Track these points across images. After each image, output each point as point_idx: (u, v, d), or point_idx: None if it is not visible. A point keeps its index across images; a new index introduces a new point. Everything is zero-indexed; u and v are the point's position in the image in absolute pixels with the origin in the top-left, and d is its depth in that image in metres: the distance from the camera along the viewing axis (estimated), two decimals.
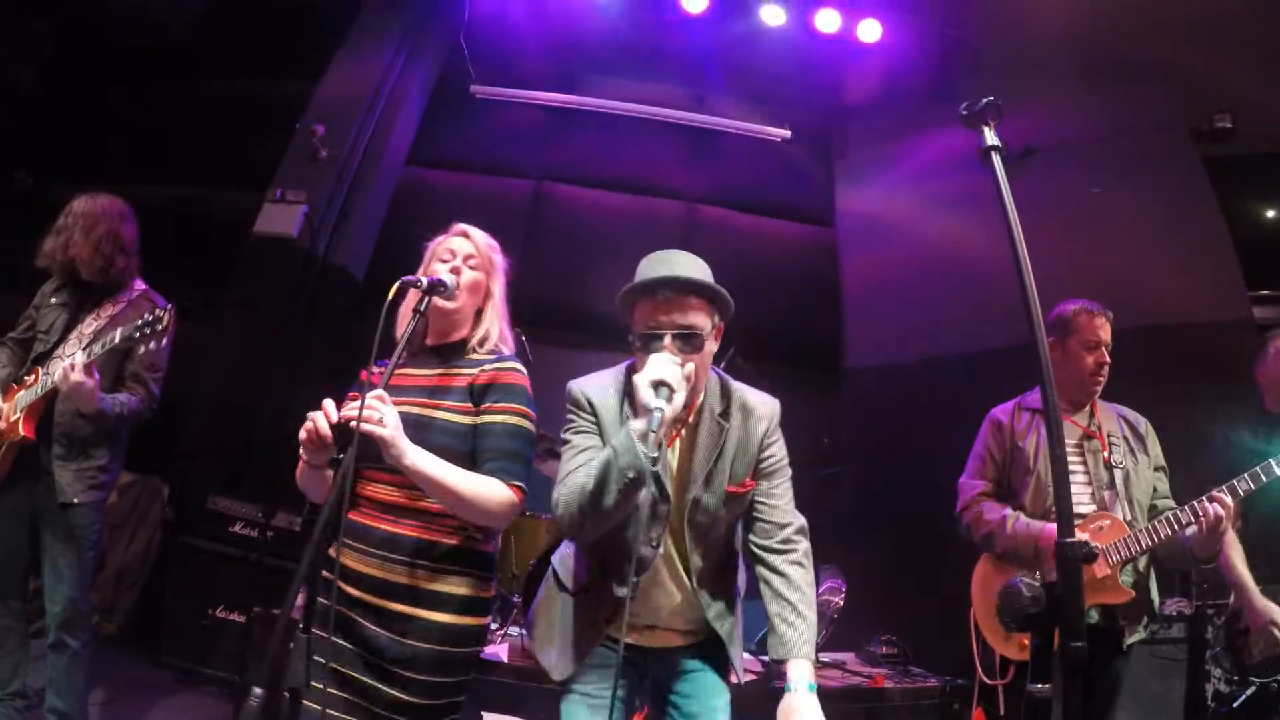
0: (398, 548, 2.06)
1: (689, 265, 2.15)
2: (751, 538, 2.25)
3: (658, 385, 1.90)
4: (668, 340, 2.04)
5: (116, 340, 2.92)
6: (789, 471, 2.30)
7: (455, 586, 2.10)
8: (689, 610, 2.23)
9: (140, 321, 2.87)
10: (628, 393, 2.15)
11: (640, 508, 2.00)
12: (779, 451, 2.27)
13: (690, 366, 2.01)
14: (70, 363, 2.88)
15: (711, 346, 2.15)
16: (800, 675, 2.01)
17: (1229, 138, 5.65)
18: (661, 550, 2.15)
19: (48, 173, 6.43)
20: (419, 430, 2.06)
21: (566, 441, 2.18)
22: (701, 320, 2.09)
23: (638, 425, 1.90)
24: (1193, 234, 5.30)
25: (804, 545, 2.24)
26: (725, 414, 2.21)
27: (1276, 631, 3.01)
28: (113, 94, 6.91)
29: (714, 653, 2.29)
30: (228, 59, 6.87)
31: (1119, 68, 5.80)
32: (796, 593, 2.15)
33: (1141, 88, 5.70)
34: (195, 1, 6.70)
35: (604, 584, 2.18)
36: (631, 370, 2.17)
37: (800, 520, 2.27)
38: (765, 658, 4.16)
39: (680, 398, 1.92)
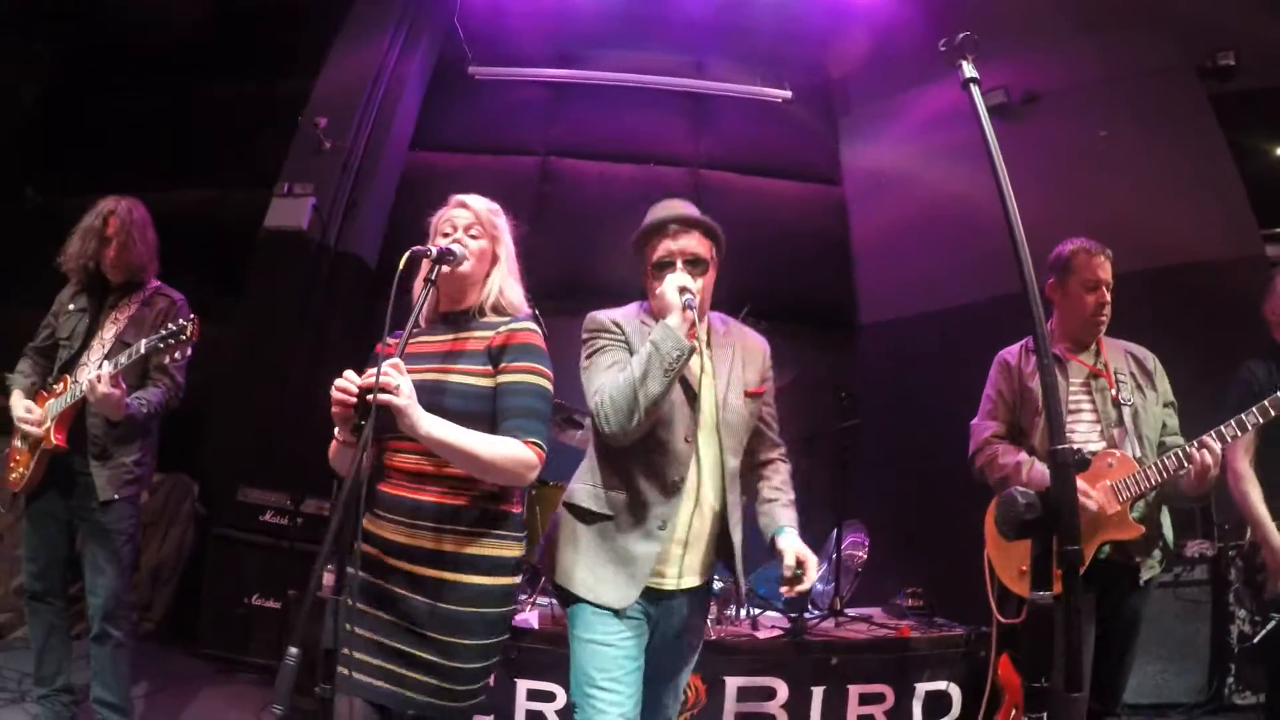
0: (425, 514, 2.09)
1: (689, 208, 2.53)
2: (747, 456, 2.59)
3: (682, 290, 2.28)
4: (680, 264, 2.41)
5: (142, 350, 2.99)
6: (773, 402, 2.70)
7: (485, 548, 2.13)
8: (717, 529, 2.46)
9: (165, 332, 2.95)
10: (646, 322, 2.44)
11: (673, 402, 2.31)
12: (772, 375, 2.66)
13: (699, 284, 2.39)
14: (97, 374, 2.93)
15: (712, 275, 2.49)
16: (793, 528, 2.46)
17: (1233, 74, 5.59)
18: (695, 459, 2.37)
19: (55, 187, 6.48)
20: (433, 395, 2.09)
21: (592, 358, 2.42)
22: (705, 250, 2.46)
23: (670, 321, 2.24)
24: (1201, 173, 5.25)
25: (783, 456, 2.70)
26: (727, 334, 2.58)
27: None
28: (113, 104, 6.93)
29: (702, 599, 2.57)
30: (227, 61, 6.88)
31: (1120, 10, 5.74)
32: (786, 489, 2.60)
33: (1143, 29, 5.64)
34: (191, 6, 6.74)
35: (648, 495, 2.35)
36: (645, 308, 2.52)
37: (782, 446, 2.72)
38: (793, 614, 4.23)
39: (697, 305, 2.28)
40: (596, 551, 2.34)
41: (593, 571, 2.32)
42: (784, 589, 2.32)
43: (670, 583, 2.38)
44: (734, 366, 2.49)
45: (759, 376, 2.56)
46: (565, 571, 2.37)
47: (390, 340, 2.09)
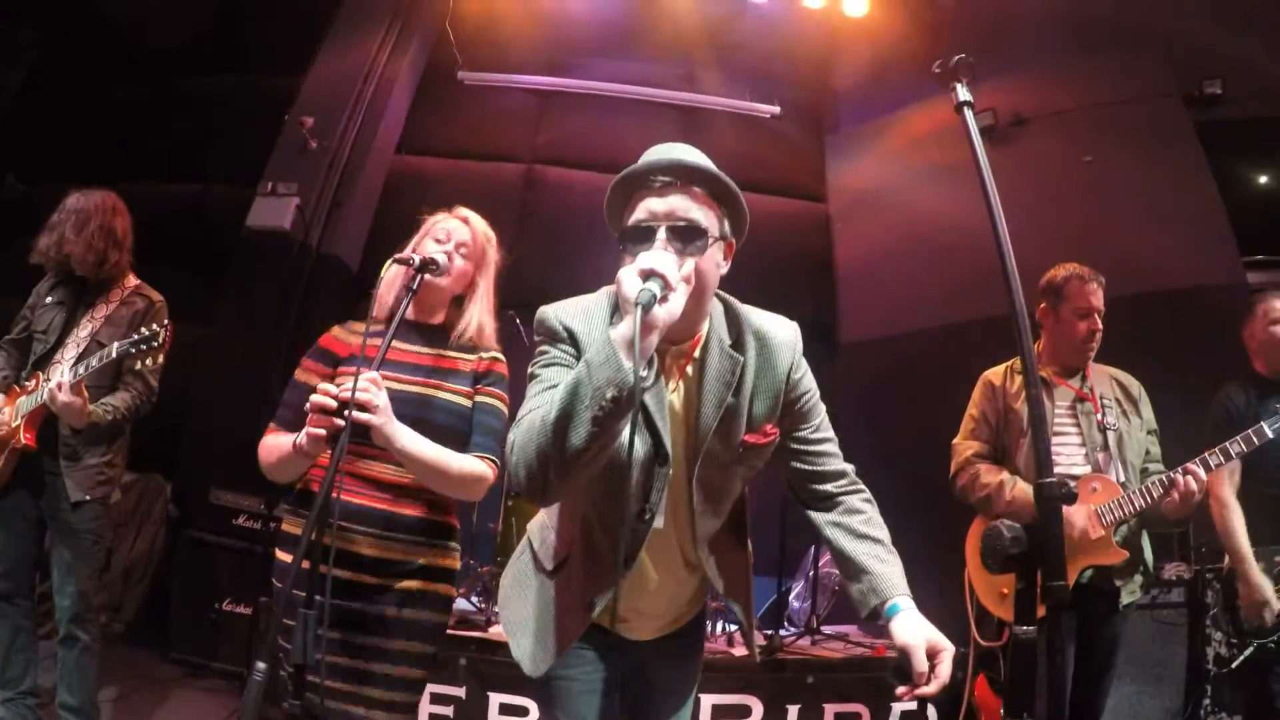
0: (380, 523, 2.11)
1: (694, 154, 1.76)
2: (805, 492, 1.89)
3: (647, 275, 1.48)
4: (662, 234, 1.64)
5: (114, 354, 2.94)
6: (823, 406, 1.90)
7: (435, 558, 2.19)
8: (690, 594, 1.95)
9: (138, 337, 2.91)
10: (617, 310, 1.67)
11: (632, 466, 1.64)
12: (809, 384, 1.85)
13: (690, 265, 1.59)
14: (58, 382, 2.90)
15: (717, 256, 1.72)
16: (911, 602, 1.68)
17: (1220, 103, 5.64)
18: (660, 523, 1.77)
19: (39, 176, 6.42)
20: (419, 408, 2.12)
21: (533, 378, 1.72)
22: (706, 218, 1.68)
23: (620, 329, 1.47)
24: (1185, 200, 5.28)
25: (866, 488, 1.92)
26: (738, 345, 1.78)
27: (1266, 613, 3.05)
28: (100, 95, 6.88)
29: (694, 627, 2.06)
30: (215, 55, 6.86)
31: (1108, 35, 5.78)
32: (880, 530, 1.82)
33: (1131, 55, 5.68)
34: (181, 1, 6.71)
35: (587, 560, 1.83)
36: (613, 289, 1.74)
37: (850, 465, 1.93)
38: (768, 632, 4.21)
39: (679, 301, 1.51)
40: (526, 602, 1.92)
41: (518, 623, 1.92)
42: (903, 691, 1.58)
43: (624, 632, 1.92)
44: (737, 404, 1.75)
45: (774, 402, 1.79)
46: (502, 601, 2.03)
47: (371, 341, 2.07)
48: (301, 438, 1.95)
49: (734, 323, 1.81)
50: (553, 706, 1.88)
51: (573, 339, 1.73)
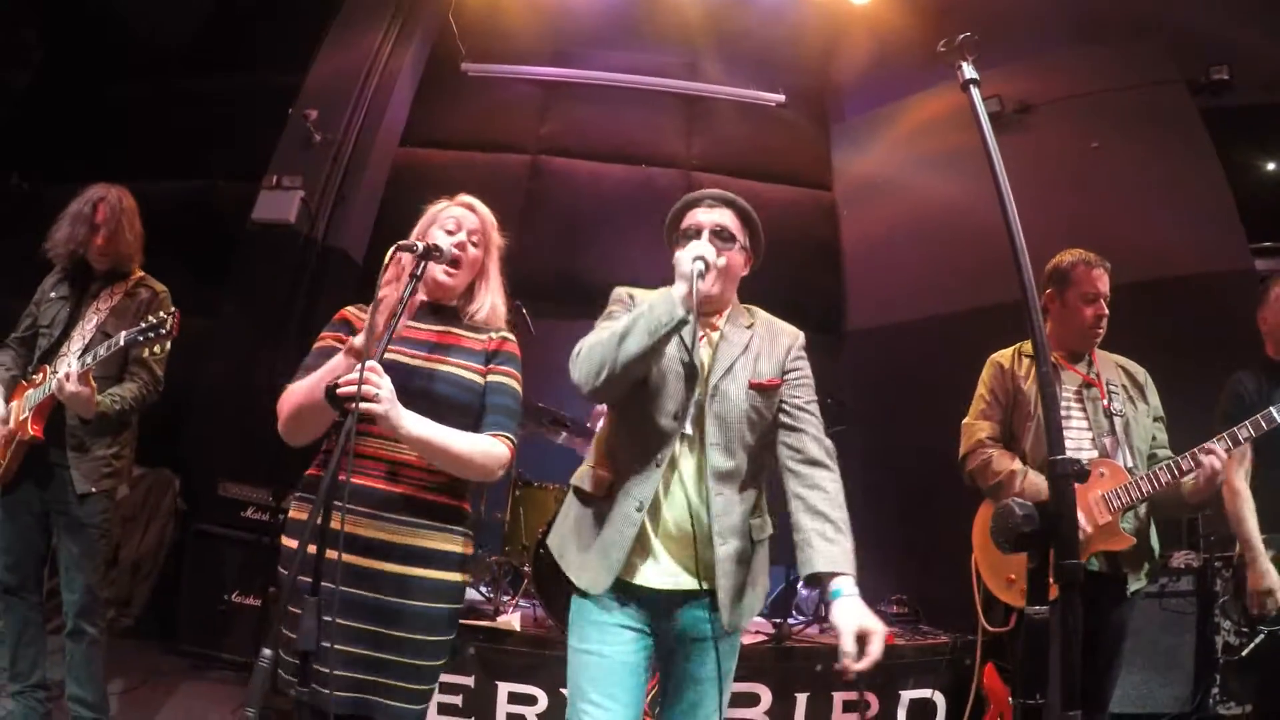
0: (391, 507, 2.09)
1: (732, 195, 2.37)
2: (783, 452, 2.22)
3: (696, 258, 2.06)
4: (706, 234, 2.25)
5: (121, 343, 2.94)
6: (813, 385, 2.34)
7: (446, 544, 2.16)
8: (701, 531, 2.12)
9: (144, 325, 2.90)
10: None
11: (666, 376, 2.16)
12: (805, 369, 2.34)
13: (724, 260, 2.21)
14: (66, 371, 2.89)
15: (740, 259, 2.34)
16: (851, 584, 1.96)
17: (1226, 89, 5.61)
18: (688, 436, 2.17)
19: (44, 176, 6.42)
20: (424, 380, 2.13)
21: (605, 315, 2.29)
22: (737, 230, 2.31)
23: (676, 286, 2.03)
24: (1192, 187, 5.27)
25: (836, 468, 2.20)
26: (751, 326, 2.35)
27: (1270, 602, 3.03)
28: (105, 93, 6.87)
29: (713, 615, 2.18)
30: (218, 51, 6.83)
31: (1114, 21, 5.77)
32: (837, 510, 2.10)
33: (1137, 41, 5.67)
34: None
35: (629, 475, 2.16)
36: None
37: (830, 443, 2.25)
38: (777, 620, 4.20)
39: (713, 278, 2.14)
40: (581, 532, 2.21)
41: (577, 553, 2.20)
42: (842, 666, 1.82)
43: (656, 580, 2.12)
44: (745, 355, 2.25)
45: (776, 368, 2.27)
46: (558, 550, 2.29)
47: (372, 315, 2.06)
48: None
49: (751, 314, 2.41)
50: (580, 680, 2.09)
51: (634, 301, 2.29)
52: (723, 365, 2.23)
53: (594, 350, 2.08)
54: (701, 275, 2.04)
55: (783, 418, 2.25)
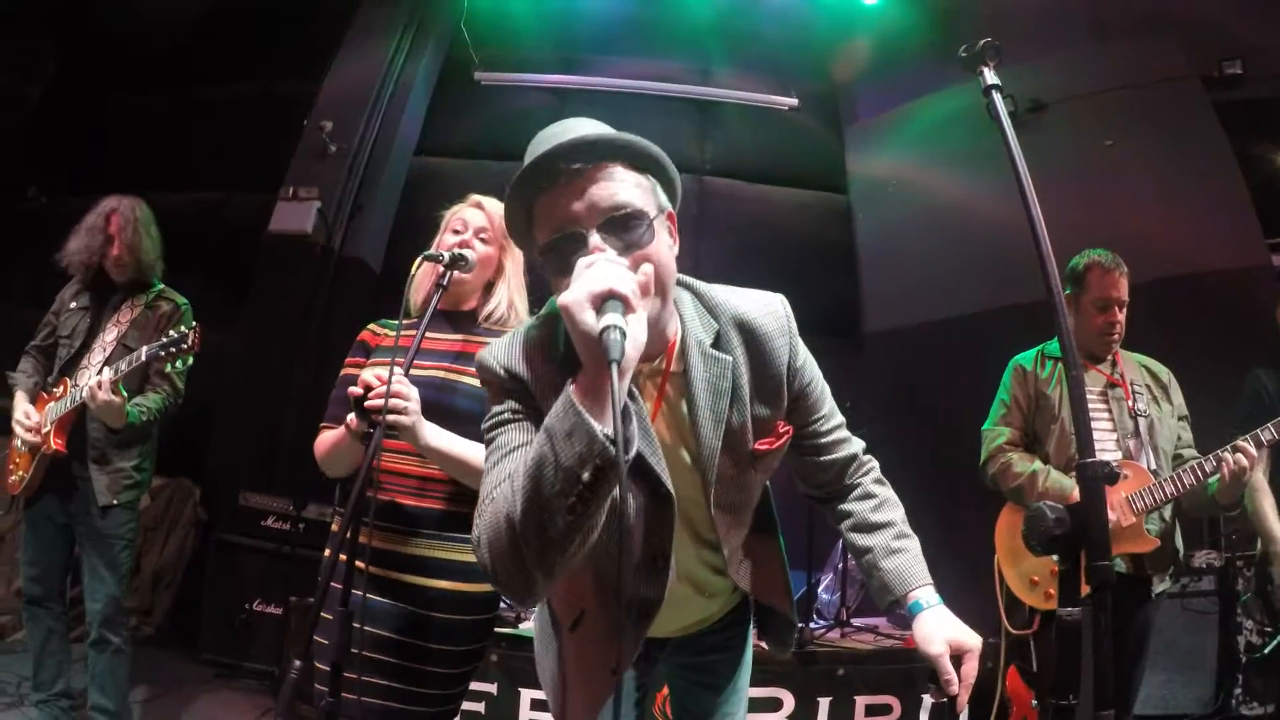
0: (417, 521, 2.08)
1: (590, 125, 1.43)
2: (816, 487, 1.75)
3: (603, 299, 1.16)
4: (595, 237, 1.31)
5: (143, 357, 2.97)
6: (826, 386, 1.67)
7: (470, 555, 2.15)
8: (723, 598, 1.76)
9: (167, 340, 2.94)
10: (566, 340, 1.32)
11: (626, 514, 1.15)
12: (808, 368, 1.61)
13: (647, 269, 1.27)
14: (98, 380, 2.92)
15: (666, 240, 1.41)
16: (931, 593, 1.58)
17: (1240, 83, 5.58)
18: (672, 572, 1.54)
19: (59, 188, 6.48)
20: (442, 392, 2.09)
21: (489, 444, 1.41)
22: (640, 198, 1.36)
23: (580, 383, 1.20)
24: (1207, 183, 5.23)
25: (873, 460, 1.77)
26: (720, 343, 1.51)
27: None
28: (119, 105, 6.93)
29: (741, 617, 1.85)
30: (232, 62, 6.89)
31: (1126, 19, 5.74)
32: (892, 511, 1.69)
33: (1149, 37, 5.63)
34: (197, 7, 6.75)
35: (603, 615, 1.59)
36: (554, 312, 1.44)
37: (860, 441, 1.75)
38: (799, 624, 4.19)
39: (642, 319, 1.19)
40: (552, 660, 1.76)
41: (548, 681, 1.78)
42: (932, 693, 1.50)
43: (661, 631, 1.72)
44: (733, 398, 1.49)
45: (776, 388, 1.55)
46: (536, 655, 1.86)
47: (405, 332, 2.09)
48: (351, 418, 1.97)
49: (709, 314, 1.53)
50: None
51: (515, 378, 1.42)
52: (710, 442, 1.48)
53: (498, 545, 1.24)
54: (622, 338, 1.12)
55: (808, 456, 1.68)
